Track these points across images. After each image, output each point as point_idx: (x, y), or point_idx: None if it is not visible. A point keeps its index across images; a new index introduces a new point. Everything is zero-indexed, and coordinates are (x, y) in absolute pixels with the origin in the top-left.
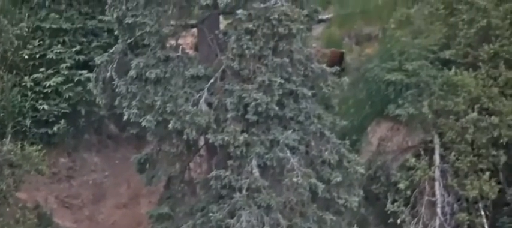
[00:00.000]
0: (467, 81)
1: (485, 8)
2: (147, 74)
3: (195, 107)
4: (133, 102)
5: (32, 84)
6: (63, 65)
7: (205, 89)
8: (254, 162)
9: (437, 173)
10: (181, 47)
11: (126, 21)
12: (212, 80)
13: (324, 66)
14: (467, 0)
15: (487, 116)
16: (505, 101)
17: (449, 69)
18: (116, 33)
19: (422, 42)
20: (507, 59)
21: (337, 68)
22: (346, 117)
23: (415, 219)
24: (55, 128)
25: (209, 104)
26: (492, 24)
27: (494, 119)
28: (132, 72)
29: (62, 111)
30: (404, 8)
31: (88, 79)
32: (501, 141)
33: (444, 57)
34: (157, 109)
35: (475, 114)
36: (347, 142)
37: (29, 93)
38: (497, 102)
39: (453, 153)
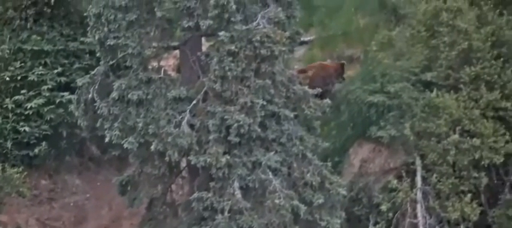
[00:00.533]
0: (448, 103)
1: (466, 31)
2: (129, 95)
3: (177, 129)
4: (115, 124)
5: (13, 106)
6: (45, 87)
7: (187, 110)
8: (236, 184)
9: (419, 195)
10: (163, 68)
11: (108, 43)
12: (194, 102)
13: (306, 88)
14: (449, 23)
15: (468, 138)
16: (486, 123)
17: (431, 91)
18: (97, 55)
19: (404, 64)
20: (488, 81)
21: (319, 89)
22: (328, 139)
23: None
24: (36, 150)
25: (191, 126)
26: (473, 46)
27: (476, 141)
28: (114, 94)
29: (44, 133)
30: (386, 30)
31: (70, 101)
32: (482, 163)
33: (426, 79)
34: (139, 131)
35: (456, 136)
36: (329, 164)
37: (10, 115)
38: (479, 124)
39: (435, 175)
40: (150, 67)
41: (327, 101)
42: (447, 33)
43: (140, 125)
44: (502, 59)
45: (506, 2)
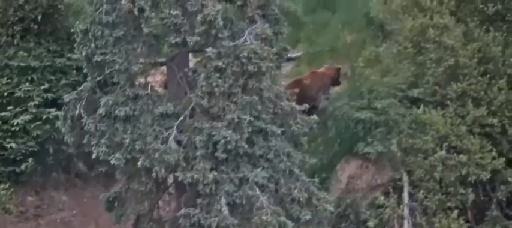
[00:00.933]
0: (435, 120)
1: (453, 47)
2: (116, 111)
3: (164, 145)
4: (102, 140)
5: (0, 122)
6: (32, 103)
7: (175, 126)
8: (223, 200)
9: (406, 211)
10: (150, 84)
11: (95, 59)
12: (181, 118)
13: (293, 104)
14: (435, 39)
15: (455, 154)
16: (473, 140)
17: (418, 107)
18: (84, 71)
19: (391, 80)
20: (475, 98)
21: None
22: (316, 155)
23: None
24: (23, 167)
25: (178, 142)
26: (460, 63)
27: (463, 157)
28: (101, 110)
29: (30, 149)
30: (373, 46)
31: (56, 117)
32: (469, 179)
33: (412, 96)
34: (126, 147)
35: (443, 153)
36: (316, 180)
37: None
38: (466, 141)
39: (422, 192)
40: (137, 83)
41: (314, 117)
42: (434, 49)
43: (127, 141)
44: (488, 76)
45: (492, 18)
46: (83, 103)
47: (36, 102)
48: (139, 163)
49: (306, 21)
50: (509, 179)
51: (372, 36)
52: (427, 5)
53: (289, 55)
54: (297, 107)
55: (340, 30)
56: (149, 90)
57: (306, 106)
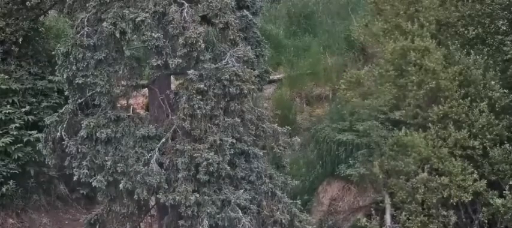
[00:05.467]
0: (417, 142)
1: (434, 70)
2: (98, 134)
3: (145, 167)
4: (84, 163)
5: None
6: (13, 126)
7: (156, 149)
8: (205, 222)
9: None
10: (132, 107)
11: (76, 82)
12: (163, 140)
13: (275, 126)
14: (416, 62)
15: (437, 176)
16: (455, 162)
17: (400, 129)
18: (66, 93)
19: (373, 103)
20: (456, 120)
21: (288, 127)
22: (298, 177)
23: None
24: (4, 189)
25: (160, 164)
26: (441, 85)
27: (444, 179)
28: (83, 132)
29: (11, 171)
30: (354, 69)
31: (37, 139)
32: (451, 201)
33: (394, 118)
34: (107, 169)
35: (425, 175)
36: (298, 202)
37: None
38: (447, 163)
39: (404, 214)
40: (118, 105)
41: (297, 139)
42: (415, 72)
43: (109, 163)
44: (469, 98)
45: (473, 42)
46: (64, 125)
47: (17, 125)
48: (121, 185)
49: (288, 44)
50: (491, 201)
51: (353, 59)
52: (408, 28)
53: (270, 77)
54: (279, 129)
55: (321, 53)
56: (131, 113)
57: (288, 128)
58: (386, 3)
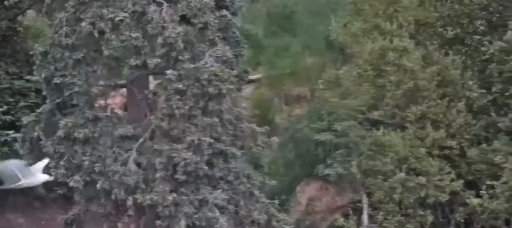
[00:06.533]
0: (395, 142)
1: (412, 70)
2: (75, 134)
3: (123, 167)
4: (61, 163)
5: None
6: None
7: (134, 148)
8: (183, 222)
9: None
10: (110, 107)
11: (54, 81)
12: (141, 140)
13: (254, 126)
14: (395, 63)
15: (414, 176)
16: (432, 162)
17: (378, 129)
18: (44, 93)
19: (351, 103)
20: (434, 120)
21: (267, 127)
22: (276, 177)
23: None
24: None
25: (138, 164)
26: (419, 85)
27: (422, 179)
28: (60, 132)
29: None
30: (333, 69)
31: (15, 139)
32: (428, 201)
33: (372, 118)
34: (85, 169)
35: (402, 175)
36: (276, 202)
37: None
38: (425, 163)
39: (381, 213)
40: (96, 105)
41: (275, 139)
42: (393, 72)
43: (86, 163)
44: (447, 98)
45: (451, 42)
46: (42, 125)
47: None
48: (98, 185)
49: (267, 44)
50: (468, 201)
51: (332, 59)
52: (387, 29)
53: (249, 77)
54: (258, 129)
55: (300, 53)
56: (109, 112)
57: (266, 128)
58: (366, 4)
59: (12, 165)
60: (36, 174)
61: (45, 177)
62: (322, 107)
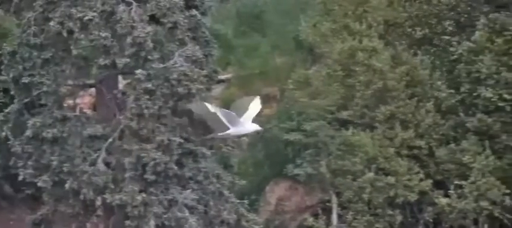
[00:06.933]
0: (364, 142)
1: (382, 70)
2: (44, 133)
3: (92, 167)
4: (29, 162)
5: None
6: None
7: (103, 148)
8: (152, 223)
9: None
10: (79, 106)
11: (22, 81)
12: (110, 140)
13: None
14: (364, 62)
15: (383, 176)
16: (401, 161)
17: (347, 129)
18: (12, 93)
19: (321, 102)
20: (403, 120)
21: None
22: (245, 176)
23: None
24: None
25: (107, 164)
26: (388, 85)
27: (391, 179)
28: (28, 132)
29: None
30: (303, 69)
31: None
32: (397, 201)
33: (342, 118)
34: (53, 169)
35: (371, 174)
36: (246, 202)
37: None
38: (394, 163)
39: (350, 213)
40: (65, 105)
41: (245, 138)
42: (363, 72)
43: (55, 163)
44: (416, 98)
45: (420, 42)
46: (10, 125)
47: None
48: (67, 185)
49: (237, 44)
50: (436, 200)
51: (302, 59)
52: (356, 29)
53: (219, 77)
54: None
55: (270, 53)
56: (78, 112)
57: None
58: (335, 4)
59: (222, 113)
60: (245, 124)
61: (254, 127)
62: (291, 106)
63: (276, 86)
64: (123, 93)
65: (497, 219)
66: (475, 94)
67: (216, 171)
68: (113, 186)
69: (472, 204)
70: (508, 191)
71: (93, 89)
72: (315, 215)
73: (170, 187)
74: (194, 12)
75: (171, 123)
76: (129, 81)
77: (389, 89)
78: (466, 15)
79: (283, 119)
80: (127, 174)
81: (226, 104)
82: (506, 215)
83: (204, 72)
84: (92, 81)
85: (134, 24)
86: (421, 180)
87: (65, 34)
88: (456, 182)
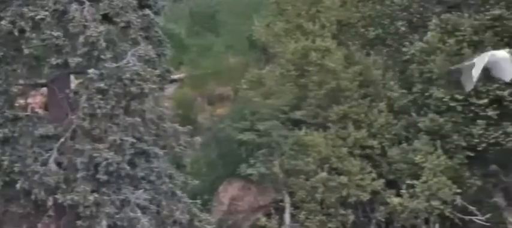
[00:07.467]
0: (317, 142)
1: (335, 70)
2: None
3: (43, 167)
4: None
5: None
6: None
7: (55, 148)
8: (104, 223)
9: None
10: (30, 106)
11: None
12: (62, 140)
13: (176, 126)
14: (317, 63)
15: (336, 175)
16: (354, 161)
17: (300, 129)
18: None
19: (274, 102)
20: (355, 120)
21: (189, 127)
22: (198, 176)
23: None
24: None
25: (59, 164)
26: (341, 85)
27: (343, 179)
28: None
29: None
30: (256, 69)
31: None
32: (349, 200)
33: (295, 118)
34: (4, 169)
35: (324, 174)
36: (199, 202)
37: None
38: (346, 162)
39: (303, 213)
40: (16, 105)
41: (198, 138)
42: (316, 72)
43: (5, 163)
44: (369, 98)
45: (373, 42)
46: None
47: None
48: (18, 185)
49: (190, 44)
50: (388, 200)
51: (255, 59)
52: (309, 29)
53: (172, 77)
54: (180, 128)
55: (223, 53)
56: (29, 112)
57: (189, 127)
58: (288, 4)
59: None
60: None
61: None
62: (245, 106)
63: (229, 86)
64: (76, 93)
65: (448, 219)
66: (427, 94)
67: (168, 171)
68: (64, 186)
69: (424, 204)
70: (459, 191)
71: (45, 89)
72: (268, 215)
73: (122, 187)
74: (147, 11)
75: (124, 122)
76: (81, 80)
77: (342, 88)
78: (418, 16)
79: (236, 118)
80: (79, 174)
81: (179, 103)
82: (457, 214)
83: (157, 71)
84: (43, 81)
85: (87, 24)
86: (373, 179)
87: (16, 33)
88: (408, 182)
